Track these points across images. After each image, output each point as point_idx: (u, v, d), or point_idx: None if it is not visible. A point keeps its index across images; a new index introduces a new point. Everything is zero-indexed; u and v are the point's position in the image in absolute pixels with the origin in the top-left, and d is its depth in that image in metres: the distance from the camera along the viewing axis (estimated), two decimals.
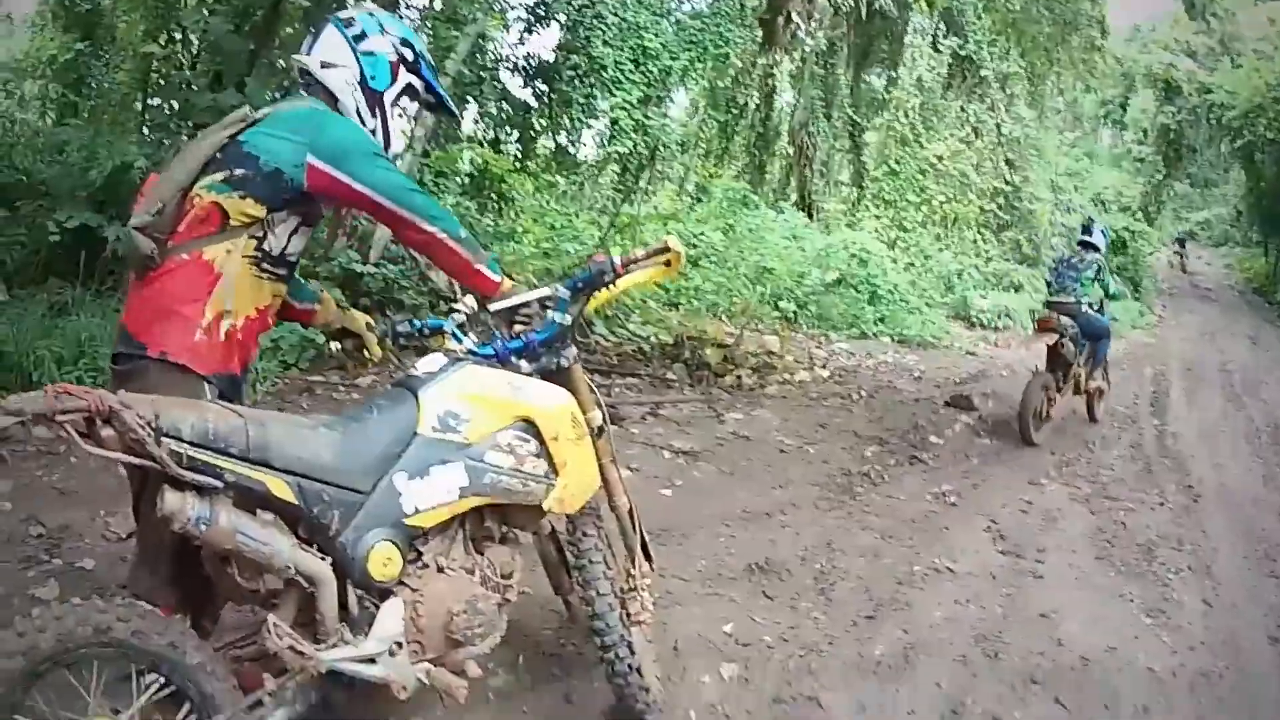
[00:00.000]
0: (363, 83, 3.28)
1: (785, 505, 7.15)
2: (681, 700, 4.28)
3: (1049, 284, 11.14)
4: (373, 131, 3.31)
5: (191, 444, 2.49)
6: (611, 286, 3.37)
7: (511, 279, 3.49)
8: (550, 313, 3.38)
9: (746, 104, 23.22)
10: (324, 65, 3.23)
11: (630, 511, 3.91)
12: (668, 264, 3.39)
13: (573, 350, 3.51)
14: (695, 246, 15.85)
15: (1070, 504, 8.61)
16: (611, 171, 14.26)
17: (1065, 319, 10.37)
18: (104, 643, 2.42)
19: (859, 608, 5.65)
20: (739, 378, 10.73)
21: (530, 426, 3.16)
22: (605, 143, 12.92)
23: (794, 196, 24.07)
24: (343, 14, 3.34)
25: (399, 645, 2.89)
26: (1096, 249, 10.81)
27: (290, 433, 2.75)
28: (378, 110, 3.33)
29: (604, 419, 3.67)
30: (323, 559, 2.77)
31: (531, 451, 3.16)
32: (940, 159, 22.36)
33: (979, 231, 22.74)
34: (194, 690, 2.56)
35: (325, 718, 2.90)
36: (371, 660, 2.85)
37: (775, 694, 4.55)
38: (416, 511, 2.92)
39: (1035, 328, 11.44)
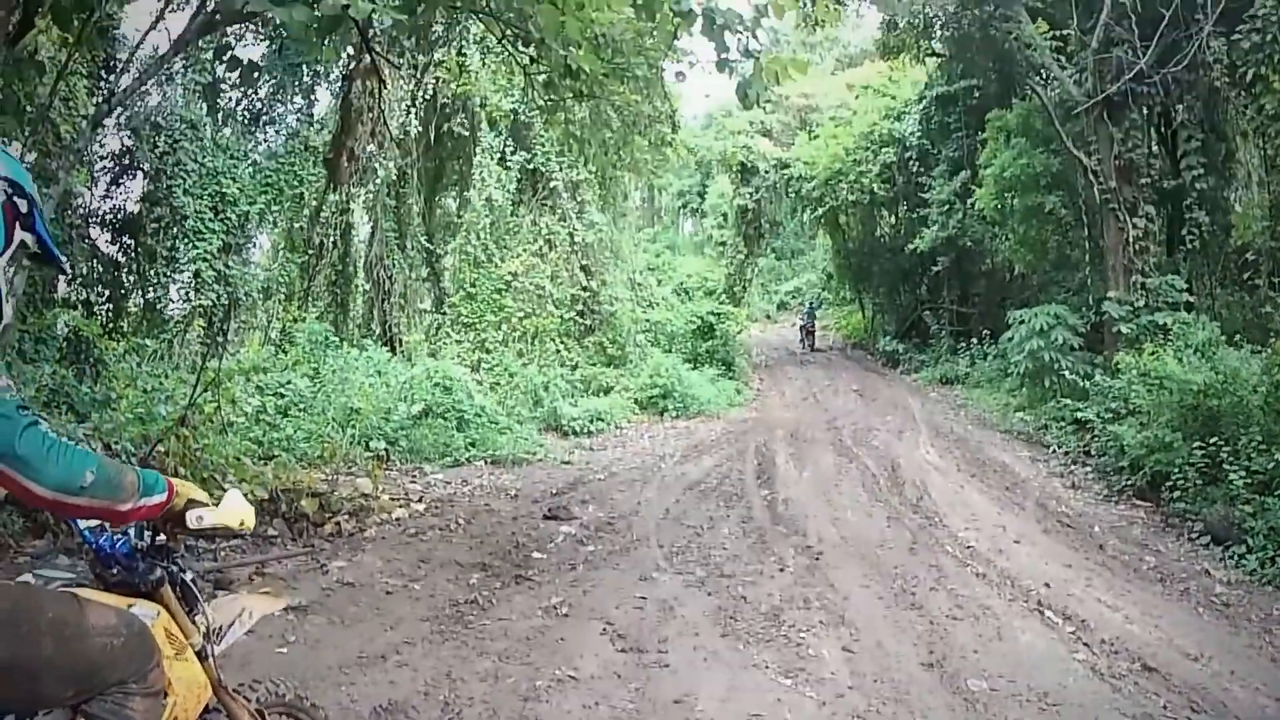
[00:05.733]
0: None
1: (399, 645, 7.07)
2: None
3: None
4: None
5: None
6: (172, 529, 3.18)
7: (184, 481, 3.18)
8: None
9: (324, 243, 23.07)
10: None
11: None
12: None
13: (158, 573, 3.20)
14: (283, 396, 15.49)
15: (686, 590, 8.82)
16: (198, 325, 13.95)
17: None
18: None
19: None
20: (338, 524, 10.60)
21: None
22: (189, 296, 12.69)
23: (377, 331, 23.90)
24: None
25: None
26: None
27: None
28: None
29: (207, 642, 3.36)
30: None
31: None
32: (516, 275, 22.69)
33: (561, 341, 23.13)
34: None
35: None
36: None
37: None
38: None
39: None
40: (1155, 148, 19.30)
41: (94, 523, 3.16)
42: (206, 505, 3.13)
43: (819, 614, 8.20)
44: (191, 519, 3.07)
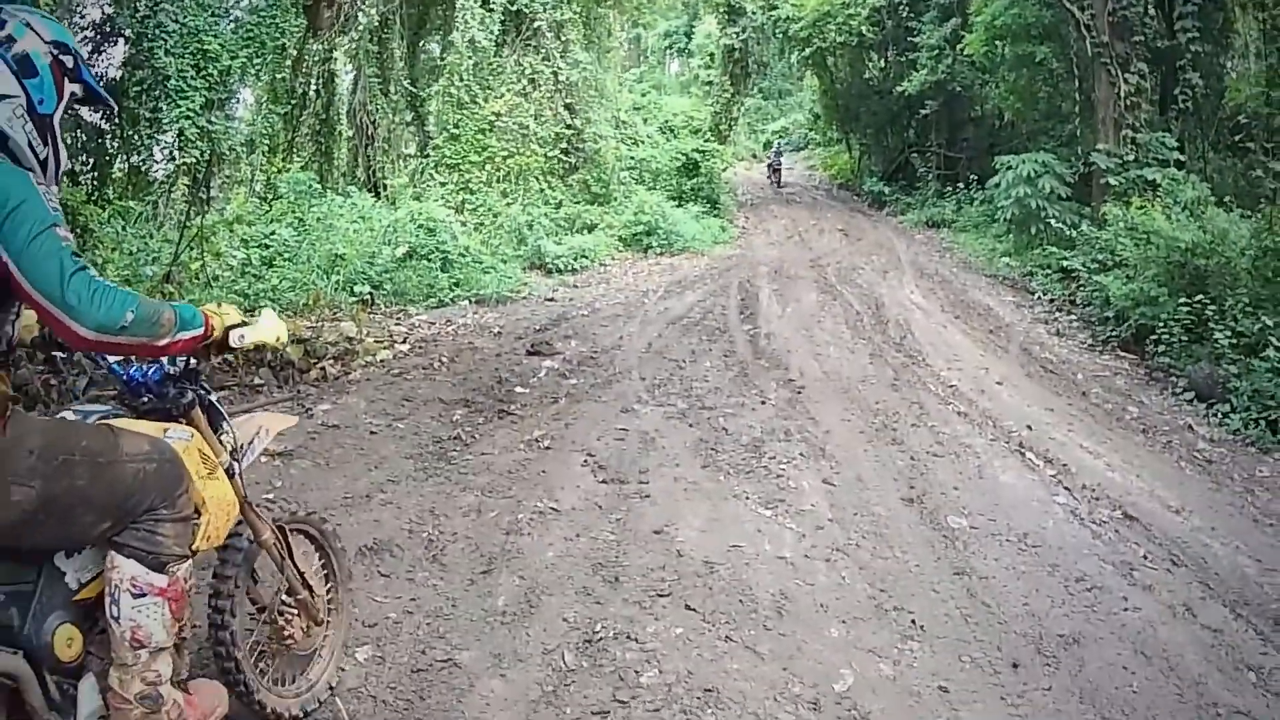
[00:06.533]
0: (30, 110, 2.74)
1: (383, 484, 7.11)
2: None
3: None
4: (44, 162, 2.76)
5: None
6: (215, 352, 3.25)
7: (221, 306, 3.23)
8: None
9: (306, 93, 22.84)
10: None
11: (278, 544, 3.85)
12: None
13: (190, 396, 3.38)
14: (268, 247, 15.48)
15: (667, 422, 8.87)
16: (182, 184, 13.76)
17: None
18: None
19: (473, 565, 5.75)
20: (323, 369, 10.57)
21: None
22: (173, 156, 12.50)
23: (362, 177, 23.87)
24: None
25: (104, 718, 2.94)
26: None
27: None
28: (49, 136, 2.80)
29: (234, 462, 3.55)
30: (15, 654, 2.73)
31: None
32: (499, 115, 22.33)
33: (545, 179, 22.94)
34: None
35: None
36: None
37: (412, 664, 4.64)
38: (81, 586, 2.92)
39: None
40: (1151, 9, 18.87)
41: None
42: (246, 324, 3.24)
43: (799, 446, 8.25)
44: (234, 338, 3.17)
